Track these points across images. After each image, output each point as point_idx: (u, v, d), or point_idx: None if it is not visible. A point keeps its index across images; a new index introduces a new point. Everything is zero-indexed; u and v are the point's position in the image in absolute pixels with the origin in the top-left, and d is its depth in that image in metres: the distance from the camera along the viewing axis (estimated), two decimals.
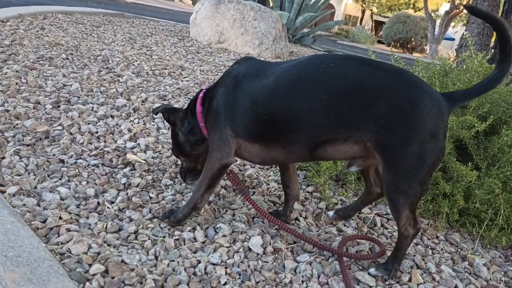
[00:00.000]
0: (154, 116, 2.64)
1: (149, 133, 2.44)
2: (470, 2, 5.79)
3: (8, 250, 1.26)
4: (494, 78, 1.37)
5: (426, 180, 1.35)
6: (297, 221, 1.85)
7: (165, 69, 4.05)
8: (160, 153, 2.20)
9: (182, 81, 3.75)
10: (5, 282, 1.14)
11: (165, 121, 2.48)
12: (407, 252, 1.71)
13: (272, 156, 1.55)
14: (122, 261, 1.35)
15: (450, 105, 1.38)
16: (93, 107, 2.62)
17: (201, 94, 1.69)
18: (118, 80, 3.33)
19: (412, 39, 24.87)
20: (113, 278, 1.27)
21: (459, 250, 1.89)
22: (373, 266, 1.57)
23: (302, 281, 1.45)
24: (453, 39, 27.81)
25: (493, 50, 4.51)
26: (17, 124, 2.18)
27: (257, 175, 2.18)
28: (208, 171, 1.59)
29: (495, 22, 1.36)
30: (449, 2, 20.95)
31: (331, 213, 1.79)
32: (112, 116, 2.55)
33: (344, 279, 1.45)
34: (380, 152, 1.35)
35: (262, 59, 2.01)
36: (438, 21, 20.81)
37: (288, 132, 1.45)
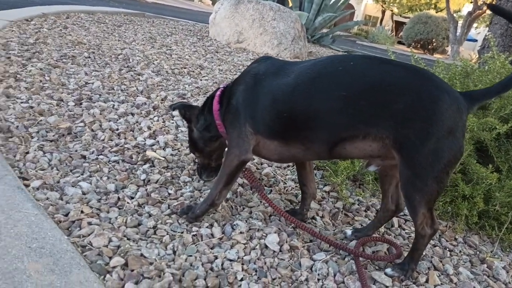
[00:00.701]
0: (173, 114, 2.67)
1: (168, 131, 2.47)
2: (494, 3, 5.68)
3: (32, 241, 1.30)
4: None
5: (442, 177, 1.35)
6: (313, 220, 1.85)
7: (185, 68, 4.09)
8: (179, 151, 2.23)
9: (201, 80, 3.79)
10: (28, 272, 1.18)
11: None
12: (424, 253, 1.71)
13: (292, 153, 1.56)
14: (141, 254, 1.38)
15: (469, 104, 1.37)
16: (114, 105, 2.67)
17: (218, 92, 1.72)
18: (139, 78, 3.38)
19: (433, 40, 24.53)
20: (132, 271, 1.29)
21: (477, 252, 1.87)
22: (389, 266, 1.57)
23: (318, 279, 1.46)
24: (475, 41, 27.27)
25: None
26: (41, 120, 2.23)
27: (274, 174, 2.19)
28: (227, 167, 1.61)
29: None
30: (471, 2, 20.56)
31: (349, 232, 1.78)
32: (133, 114, 2.60)
33: (360, 278, 1.45)
34: (398, 149, 1.35)
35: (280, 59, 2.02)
36: (460, 22, 20.46)
37: (308, 129, 1.46)
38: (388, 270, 1.53)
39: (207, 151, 1.83)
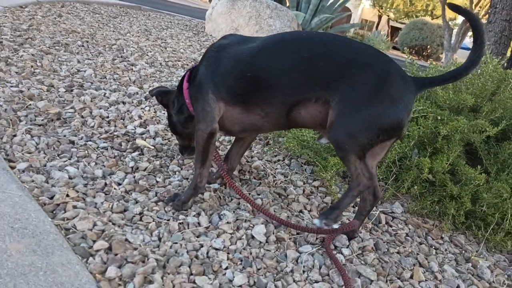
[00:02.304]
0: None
1: (159, 120, 2.45)
2: (487, 17, 5.77)
3: (14, 222, 1.28)
4: (464, 67, 1.47)
5: (373, 138, 1.41)
6: (301, 214, 1.85)
7: (179, 61, 4.07)
8: (169, 140, 2.21)
9: None
10: (10, 252, 1.16)
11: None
12: (410, 250, 1.71)
13: (251, 120, 1.60)
14: (126, 240, 1.36)
15: (417, 87, 1.47)
16: (105, 93, 2.64)
17: (188, 72, 1.75)
18: (132, 69, 3.35)
19: (428, 46, 24.62)
20: (116, 255, 1.28)
21: (463, 251, 1.88)
22: (316, 217, 1.62)
23: (303, 271, 1.45)
24: (469, 49, 27.33)
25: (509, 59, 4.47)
26: (30, 104, 2.21)
27: (264, 167, 2.18)
28: (198, 145, 1.63)
29: (471, 18, 1.48)
30: None
31: (335, 226, 1.77)
32: (124, 103, 2.57)
33: (333, 262, 1.45)
34: (341, 108, 1.42)
35: None
36: (455, 30, 20.56)
37: (268, 91, 1.51)
38: (316, 221, 1.55)
39: (186, 133, 1.87)
